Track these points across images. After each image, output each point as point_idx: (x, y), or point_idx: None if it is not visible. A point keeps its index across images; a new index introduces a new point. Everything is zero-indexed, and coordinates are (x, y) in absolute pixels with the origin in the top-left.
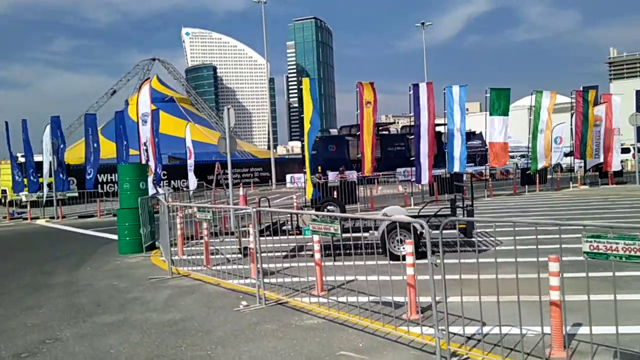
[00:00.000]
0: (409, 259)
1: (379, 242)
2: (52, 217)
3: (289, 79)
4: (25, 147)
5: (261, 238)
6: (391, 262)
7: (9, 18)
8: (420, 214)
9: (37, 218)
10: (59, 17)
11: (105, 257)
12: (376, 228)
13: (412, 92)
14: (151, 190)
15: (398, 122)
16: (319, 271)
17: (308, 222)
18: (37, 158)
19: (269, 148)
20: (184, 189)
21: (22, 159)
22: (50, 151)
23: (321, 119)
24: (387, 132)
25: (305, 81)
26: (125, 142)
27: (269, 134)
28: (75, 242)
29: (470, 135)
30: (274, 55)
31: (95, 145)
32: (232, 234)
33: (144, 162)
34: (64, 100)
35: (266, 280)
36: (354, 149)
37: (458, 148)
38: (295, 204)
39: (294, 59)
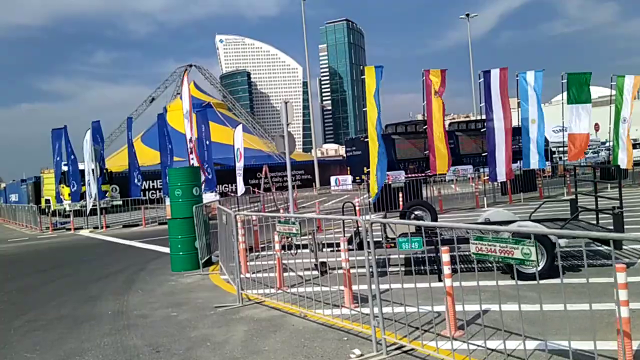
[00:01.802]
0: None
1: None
2: (96, 227)
3: (322, 82)
4: (67, 155)
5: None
6: (519, 281)
7: (51, 32)
8: (532, 218)
9: (81, 228)
10: (99, 30)
11: (157, 276)
12: (460, 240)
13: (482, 80)
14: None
15: (445, 119)
16: (450, 303)
17: (397, 232)
18: (80, 167)
19: (304, 151)
20: (231, 193)
21: (65, 168)
22: (92, 157)
23: (355, 120)
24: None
25: (370, 70)
26: (169, 146)
27: (313, 135)
28: (122, 255)
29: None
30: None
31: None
32: (299, 247)
33: (191, 163)
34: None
35: (365, 311)
36: (400, 148)
37: (535, 141)
38: (357, 208)
39: (326, 61)
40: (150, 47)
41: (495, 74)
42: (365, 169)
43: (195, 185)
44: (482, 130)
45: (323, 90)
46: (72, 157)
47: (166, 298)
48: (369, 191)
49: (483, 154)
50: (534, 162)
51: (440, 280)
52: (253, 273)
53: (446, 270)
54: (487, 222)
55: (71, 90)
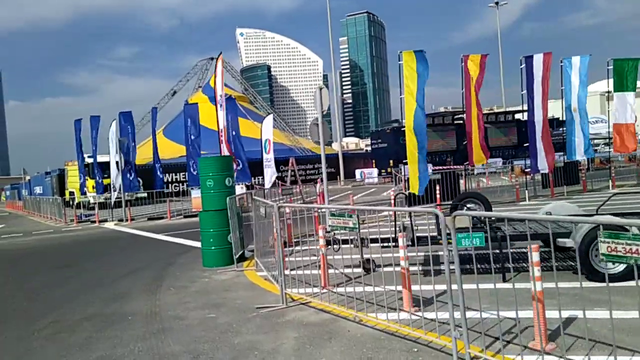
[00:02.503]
0: None
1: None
2: (121, 220)
3: (343, 75)
4: (93, 146)
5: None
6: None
7: (75, 26)
8: (599, 212)
9: (105, 221)
10: (122, 24)
11: (188, 272)
12: (535, 236)
13: (523, 65)
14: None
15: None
16: (541, 310)
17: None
18: (103, 159)
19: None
20: (257, 186)
21: (90, 160)
22: (117, 149)
23: (376, 113)
24: (462, 121)
25: (409, 55)
26: (192, 137)
27: (337, 127)
28: (148, 249)
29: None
30: (327, 51)
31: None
32: (340, 242)
33: (225, 153)
34: (127, 103)
35: (428, 316)
36: (428, 140)
37: (580, 131)
38: (392, 202)
39: (347, 54)
40: (171, 41)
41: (538, 59)
42: (391, 161)
43: (228, 176)
44: (510, 121)
45: (343, 83)
46: (94, 148)
47: (201, 297)
48: (405, 186)
49: (511, 146)
50: (580, 152)
51: (504, 280)
52: (292, 270)
53: (536, 272)
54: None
55: (93, 84)
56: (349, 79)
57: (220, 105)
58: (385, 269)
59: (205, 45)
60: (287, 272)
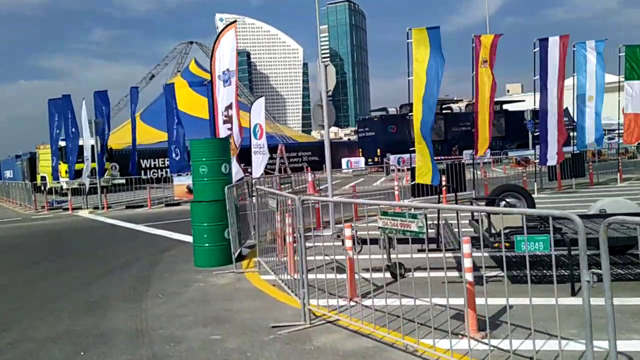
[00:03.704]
0: None
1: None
2: (96, 207)
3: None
4: (67, 129)
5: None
6: None
7: (49, 8)
8: None
9: (80, 208)
10: (98, 7)
11: (179, 273)
12: (617, 240)
13: (537, 49)
14: (236, 176)
15: (463, 100)
16: None
17: (498, 227)
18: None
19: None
20: (246, 174)
21: (63, 143)
22: (93, 132)
23: (355, 103)
24: (450, 111)
25: (420, 32)
26: (177, 120)
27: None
28: (129, 243)
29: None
30: (306, 40)
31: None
32: (362, 242)
33: (222, 135)
34: (102, 88)
35: (495, 343)
36: None
37: (592, 119)
38: (396, 193)
39: (327, 43)
40: (149, 25)
41: (554, 42)
42: (378, 150)
43: (225, 161)
44: (498, 112)
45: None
46: (73, 130)
47: (198, 308)
48: (412, 175)
49: (499, 137)
50: (591, 142)
51: (573, 294)
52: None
53: None
54: (607, 215)
55: (69, 68)
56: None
57: (226, 82)
58: (417, 273)
59: (184, 31)
60: (296, 276)
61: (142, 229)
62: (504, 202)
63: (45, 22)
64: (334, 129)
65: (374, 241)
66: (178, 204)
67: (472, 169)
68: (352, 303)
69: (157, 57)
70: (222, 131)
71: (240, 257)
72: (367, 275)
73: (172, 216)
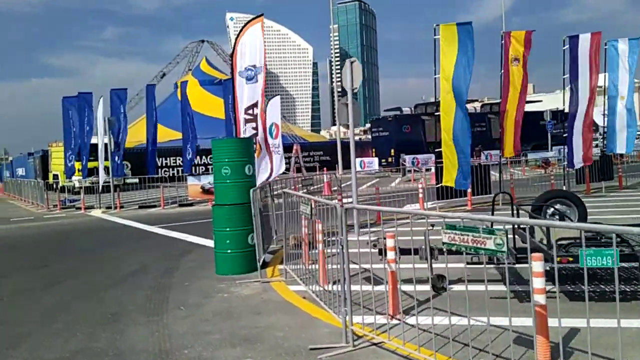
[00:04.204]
0: None
1: None
2: (109, 207)
3: (332, 63)
4: (81, 126)
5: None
6: None
7: (60, 7)
8: None
9: (92, 207)
10: (107, 5)
11: (199, 280)
12: None
13: (567, 47)
14: (259, 178)
15: (478, 100)
16: None
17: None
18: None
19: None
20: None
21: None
22: (104, 130)
23: (364, 103)
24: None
25: (448, 28)
26: (189, 118)
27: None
28: (144, 245)
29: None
30: (317, 39)
31: (156, 120)
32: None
33: (242, 135)
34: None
35: None
36: (431, 129)
37: (623, 121)
38: (420, 196)
39: (337, 42)
40: (158, 24)
41: (585, 39)
42: (392, 151)
43: (248, 162)
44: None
45: (333, 71)
46: (88, 128)
47: (224, 324)
48: (437, 177)
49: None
50: (621, 145)
51: None
52: (334, 284)
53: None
54: None
55: (78, 66)
56: (339, 68)
57: (250, 79)
58: (455, 287)
59: (194, 30)
60: (328, 287)
61: (156, 231)
62: (552, 209)
63: (54, 20)
64: (343, 128)
65: (407, 251)
66: (192, 205)
67: (497, 171)
68: (394, 321)
69: (164, 55)
70: (244, 131)
71: (264, 264)
72: (404, 287)
73: (187, 217)
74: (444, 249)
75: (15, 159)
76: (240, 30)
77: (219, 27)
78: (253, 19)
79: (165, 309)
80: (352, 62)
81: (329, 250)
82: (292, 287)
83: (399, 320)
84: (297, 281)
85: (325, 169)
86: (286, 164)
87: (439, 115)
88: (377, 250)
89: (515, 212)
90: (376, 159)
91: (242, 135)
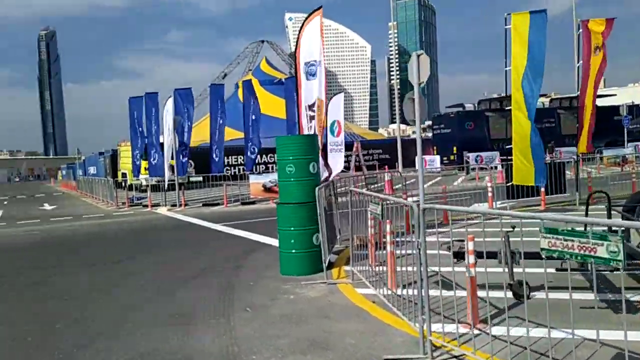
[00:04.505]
0: None
1: None
2: (174, 205)
3: (390, 61)
4: (148, 125)
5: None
6: None
7: (130, 11)
8: None
9: (158, 205)
10: (174, 9)
11: (264, 280)
12: None
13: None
14: (322, 175)
15: (546, 95)
16: None
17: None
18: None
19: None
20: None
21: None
22: (171, 129)
23: (400, 106)
24: None
25: (521, 17)
26: (253, 117)
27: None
28: (208, 243)
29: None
30: (374, 37)
31: (221, 121)
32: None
33: (306, 132)
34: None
35: None
36: (496, 126)
37: None
38: (490, 195)
39: (395, 39)
40: (221, 25)
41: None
42: (454, 148)
43: (312, 160)
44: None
45: (391, 69)
46: (155, 127)
47: (292, 328)
48: (506, 175)
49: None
50: None
51: None
52: (403, 288)
53: None
54: None
55: (145, 68)
56: (397, 64)
57: (311, 75)
58: (538, 294)
59: (255, 31)
60: (399, 291)
61: (220, 229)
62: None
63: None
64: (402, 126)
65: (487, 254)
66: (254, 203)
67: (572, 169)
68: (474, 331)
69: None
70: (308, 128)
71: (329, 265)
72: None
73: (249, 215)
74: (543, 256)
75: (87, 158)
76: (302, 27)
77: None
78: (312, 12)
79: (232, 310)
80: (418, 55)
81: (396, 252)
82: (360, 290)
83: (480, 330)
84: (365, 284)
85: (386, 167)
86: (346, 162)
87: (504, 111)
88: (450, 253)
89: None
90: (438, 157)
91: (305, 133)
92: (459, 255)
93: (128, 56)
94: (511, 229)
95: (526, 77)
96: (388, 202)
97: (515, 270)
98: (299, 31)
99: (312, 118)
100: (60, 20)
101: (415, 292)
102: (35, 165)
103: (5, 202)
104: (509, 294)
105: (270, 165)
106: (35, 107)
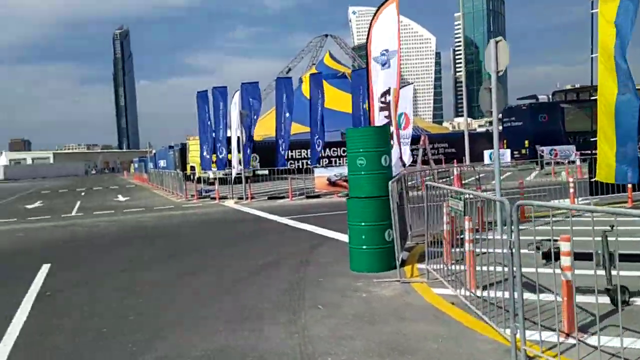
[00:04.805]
0: None
1: None
2: (241, 198)
3: (456, 53)
4: (215, 120)
5: None
6: None
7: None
8: None
9: (225, 198)
10: (239, 6)
11: (334, 277)
12: None
13: None
14: (395, 169)
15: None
16: None
17: None
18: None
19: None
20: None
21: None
22: (238, 123)
23: (476, 96)
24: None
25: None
26: (320, 110)
27: (465, 105)
28: (275, 236)
29: None
30: (439, 28)
31: (287, 114)
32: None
33: (376, 124)
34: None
35: None
36: (572, 118)
37: None
38: (571, 191)
39: (460, 31)
40: (284, 21)
41: None
42: (526, 142)
43: (385, 153)
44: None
45: (457, 61)
46: (223, 121)
47: (367, 328)
48: (590, 169)
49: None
50: None
51: None
52: (484, 289)
53: None
54: None
55: (211, 65)
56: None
57: (384, 64)
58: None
59: (318, 26)
60: (479, 292)
61: (286, 222)
62: None
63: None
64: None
65: (581, 255)
66: (318, 196)
67: None
68: (569, 340)
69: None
70: (378, 120)
71: (401, 263)
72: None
73: (315, 209)
74: None
75: (157, 151)
76: (374, 16)
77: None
78: (386, 0)
79: (303, 307)
80: (497, 42)
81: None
82: (436, 290)
83: (579, 340)
84: (440, 283)
85: (454, 160)
86: (414, 155)
87: (581, 102)
88: (539, 253)
89: None
90: (508, 151)
91: (376, 124)
92: (549, 257)
93: (196, 54)
94: (609, 228)
95: (616, 61)
96: (469, 197)
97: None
98: (371, 20)
99: (382, 109)
100: (132, 20)
101: (499, 294)
102: (110, 158)
103: (83, 194)
104: (605, 299)
105: (333, 159)
106: (110, 103)
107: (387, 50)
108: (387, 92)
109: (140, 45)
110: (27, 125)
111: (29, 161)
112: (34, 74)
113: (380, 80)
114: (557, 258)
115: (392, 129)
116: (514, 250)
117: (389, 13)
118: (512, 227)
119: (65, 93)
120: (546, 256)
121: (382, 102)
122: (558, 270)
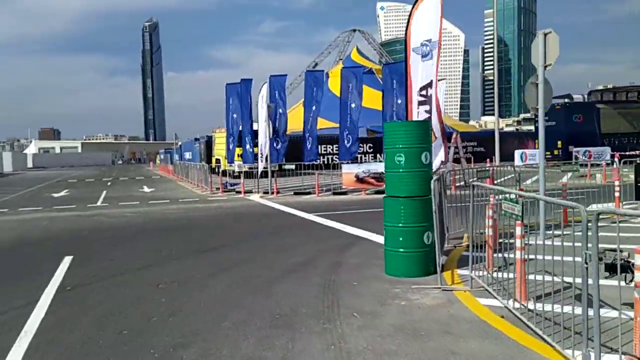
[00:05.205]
0: None
1: None
2: (266, 192)
3: (485, 50)
4: (242, 112)
5: None
6: None
7: (226, 4)
8: None
9: (251, 192)
10: (267, 0)
11: (369, 281)
12: None
13: None
14: (435, 167)
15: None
16: None
17: None
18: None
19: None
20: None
21: (240, 127)
22: (265, 116)
23: (519, 92)
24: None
25: None
26: (353, 105)
27: (496, 103)
28: (303, 234)
29: None
30: (468, 25)
31: (314, 108)
32: (612, 269)
33: (415, 119)
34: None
35: None
36: (608, 120)
37: None
38: (617, 195)
39: (491, 28)
40: (312, 16)
41: None
42: (559, 142)
43: (425, 149)
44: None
45: (486, 59)
46: (250, 113)
47: (410, 343)
48: (637, 172)
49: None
50: None
51: None
52: (536, 301)
53: None
54: None
55: (239, 59)
56: (491, 55)
57: (426, 55)
58: None
59: (345, 21)
60: (531, 304)
61: (313, 219)
62: None
63: (220, 16)
64: (492, 118)
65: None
66: (345, 193)
67: None
68: None
69: (318, 46)
70: (417, 114)
71: (441, 268)
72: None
73: (342, 206)
74: None
75: (183, 143)
76: (415, 3)
77: (370, 17)
78: None
79: (338, 314)
80: (545, 34)
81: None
82: (482, 300)
83: None
84: (486, 292)
85: (487, 160)
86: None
87: (618, 103)
88: (602, 264)
89: None
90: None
91: (414, 119)
92: (613, 268)
93: (224, 47)
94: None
95: None
96: (526, 200)
97: None
98: (412, 9)
99: (422, 103)
100: (163, 12)
101: (550, 307)
102: (136, 149)
103: (109, 184)
104: None
105: (359, 155)
106: (138, 95)
107: (429, 41)
108: (429, 84)
109: (170, 38)
110: (57, 115)
111: (58, 150)
112: (66, 66)
113: (420, 72)
114: (624, 270)
115: (436, 123)
116: (589, 263)
117: (432, 1)
118: (588, 236)
119: (95, 84)
120: (610, 268)
121: (422, 96)
122: (623, 283)
